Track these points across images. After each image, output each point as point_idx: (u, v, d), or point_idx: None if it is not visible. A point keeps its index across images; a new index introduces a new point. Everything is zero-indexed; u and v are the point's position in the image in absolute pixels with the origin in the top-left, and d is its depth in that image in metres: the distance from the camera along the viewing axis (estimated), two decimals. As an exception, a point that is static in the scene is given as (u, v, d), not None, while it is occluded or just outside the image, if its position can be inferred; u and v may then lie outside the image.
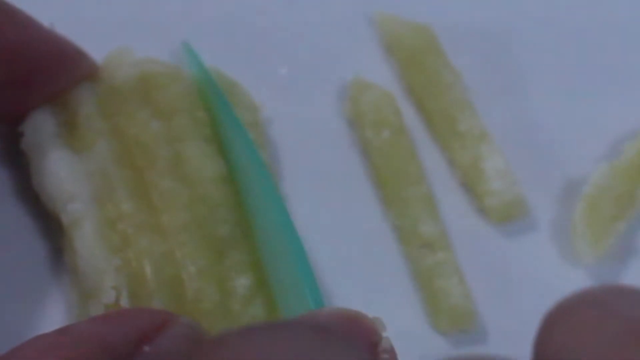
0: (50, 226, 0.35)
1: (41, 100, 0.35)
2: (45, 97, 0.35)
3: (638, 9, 0.41)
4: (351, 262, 0.36)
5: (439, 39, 0.39)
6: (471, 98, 0.38)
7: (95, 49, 0.36)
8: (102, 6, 0.40)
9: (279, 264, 0.33)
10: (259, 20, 0.40)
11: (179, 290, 0.33)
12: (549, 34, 0.41)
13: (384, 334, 0.28)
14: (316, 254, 0.36)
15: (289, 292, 0.32)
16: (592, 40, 0.40)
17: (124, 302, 0.32)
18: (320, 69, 0.39)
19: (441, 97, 0.38)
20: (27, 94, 0.35)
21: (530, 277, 0.36)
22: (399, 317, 0.36)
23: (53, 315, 0.35)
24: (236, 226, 0.34)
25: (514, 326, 0.36)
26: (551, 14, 0.41)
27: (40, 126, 0.35)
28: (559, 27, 0.41)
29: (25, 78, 0.35)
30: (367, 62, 0.40)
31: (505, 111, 0.39)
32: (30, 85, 0.35)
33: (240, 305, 0.33)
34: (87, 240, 0.33)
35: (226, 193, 0.35)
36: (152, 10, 0.40)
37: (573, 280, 0.36)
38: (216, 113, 0.35)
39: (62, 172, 0.34)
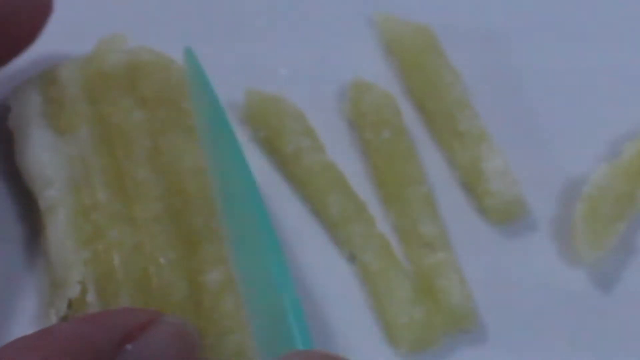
0: (31, 205, 0.35)
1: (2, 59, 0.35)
2: (5, 56, 0.35)
3: (638, 9, 0.41)
4: (351, 262, 0.36)
5: (439, 39, 0.39)
6: (471, 98, 0.38)
7: (93, 31, 0.37)
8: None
9: (260, 293, 0.32)
10: (259, 21, 0.40)
11: (147, 284, 0.33)
12: (548, 34, 0.41)
13: None
14: (316, 254, 0.36)
15: (269, 322, 0.31)
16: (592, 40, 0.40)
17: (90, 297, 0.32)
18: (320, 69, 0.39)
19: (441, 97, 0.38)
20: None
21: (530, 277, 0.36)
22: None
23: (26, 298, 0.35)
24: (211, 218, 0.34)
25: (514, 326, 0.36)
26: (551, 14, 0.41)
27: (27, 104, 0.35)
28: (559, 27, 0.41)
29: None
30: (367, 62, 0.40)
31: (505, 111, 0.39)
32: None
33: (210, 301, 0.33)
34: (59, 230, 0.33)
35: (202, 185, 0.34)
36: (152, 11, 0.40)
37: (573, 280, 0.36)
38: (211, 121, 0.35)
39: (43, 155, 0.34)
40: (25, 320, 0.34)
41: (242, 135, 0.38)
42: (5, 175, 0.36)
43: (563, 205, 0.38)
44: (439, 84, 0.38)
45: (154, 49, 0.37)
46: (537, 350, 0.35)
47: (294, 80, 0.39)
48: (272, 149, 0.38)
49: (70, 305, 0.33)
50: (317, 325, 0.35)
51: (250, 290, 0.32)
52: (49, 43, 0.37)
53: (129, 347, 0.29)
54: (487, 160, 0.37)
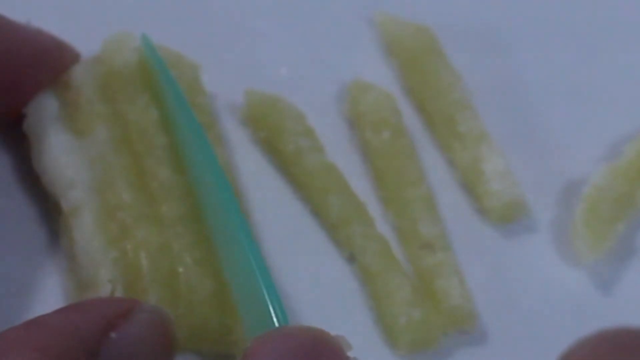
0: (48, 208, 0.36)
1: (26, 99, 0.36)
2: (29, 95, 0.36)
3: (637, 9, 0.41)
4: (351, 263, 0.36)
5: (439, 39, 0.39)
6: (471, 98, 0.38)
7: (97, 32, 0.37)
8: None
9: (238, 274, 0.32)
10: (259, 21, 0.40)
11: (174, 283, 0.33)
12: (548, 35, 0.41)
13: (349, 354, 0.28)
14: (316, 254, 0.36)
15: (250, 305, 0.32)
16: (592, 40, 0.41)
17: (119, 295, 0.32)
18: (320, 69, 0.39)
19: (441, 98, 0.38)
20: (10, 96, 0.35)
21: (530, 277, 0.36)
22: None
23: (50, 299, 0.34)
24: None
25: (514, 326, 0.36)
26: (551, 14, 0.41)
27: (43, 108, 0.35)
28: (559, 27, 0.41)
29: (8, 82, 0.35)
30: (367, 63, 0.40)
31: (505, 111, 0.39)
32: (13, 88, 0.35)
33: None
34: (86, 230, 0.33)
35: None
36: (152, 11, 0.40)
37: (573, 280, 0.36)
38: (171, 110, 0.35)
39: (63, 158, 0.34)
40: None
41: (242, 136, 0.38)
42: (21, 180, 0.36)
43: (563, 206, 0.38)
44: (439, 84, 0.38)
45: (161, 45, 0.37)
46: (537, 350, 0.35)
47: (294, 80, 0.39)
48: (272, 149, 0.38)
49: None
50: (316, 325, 0.35)
51: (232, 274, 0.33)
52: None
53: (113, 335, 0.29)
54: (487, 161, 0.37)
